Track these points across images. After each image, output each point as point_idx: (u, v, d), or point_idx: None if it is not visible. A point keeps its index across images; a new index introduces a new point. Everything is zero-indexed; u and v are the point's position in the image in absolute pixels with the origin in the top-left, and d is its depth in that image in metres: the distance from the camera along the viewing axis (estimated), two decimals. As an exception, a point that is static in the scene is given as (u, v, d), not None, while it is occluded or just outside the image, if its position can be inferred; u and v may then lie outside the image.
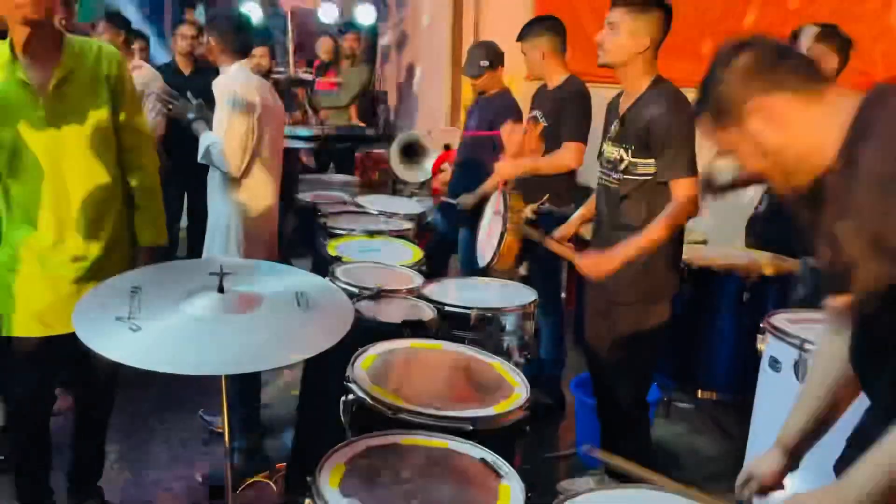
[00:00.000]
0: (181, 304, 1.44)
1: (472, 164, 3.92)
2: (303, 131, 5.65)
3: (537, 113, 3.35)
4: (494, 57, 3.82)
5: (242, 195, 2.92)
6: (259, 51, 5.39)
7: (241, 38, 2.96)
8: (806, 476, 1.41)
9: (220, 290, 1.48)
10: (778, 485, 1.41)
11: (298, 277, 1.72)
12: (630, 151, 2.34)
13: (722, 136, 1.25)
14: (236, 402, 2.89)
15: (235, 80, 2.85)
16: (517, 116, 3.74)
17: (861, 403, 1.34)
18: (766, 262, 2.99)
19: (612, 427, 2.56)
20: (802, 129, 1.15)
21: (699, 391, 3.12)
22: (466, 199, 3.87)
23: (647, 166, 2.32)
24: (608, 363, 2.50)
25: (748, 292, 2.89)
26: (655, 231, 2.25)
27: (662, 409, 3.40)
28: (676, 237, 2.39)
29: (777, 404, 1.48)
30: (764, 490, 1.41)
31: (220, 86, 2.84)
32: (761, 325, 2.46)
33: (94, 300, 1.46)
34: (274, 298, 1.54)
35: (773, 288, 2.92)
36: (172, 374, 1.26)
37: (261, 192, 2.97)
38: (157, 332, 1.35)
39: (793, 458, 1.41)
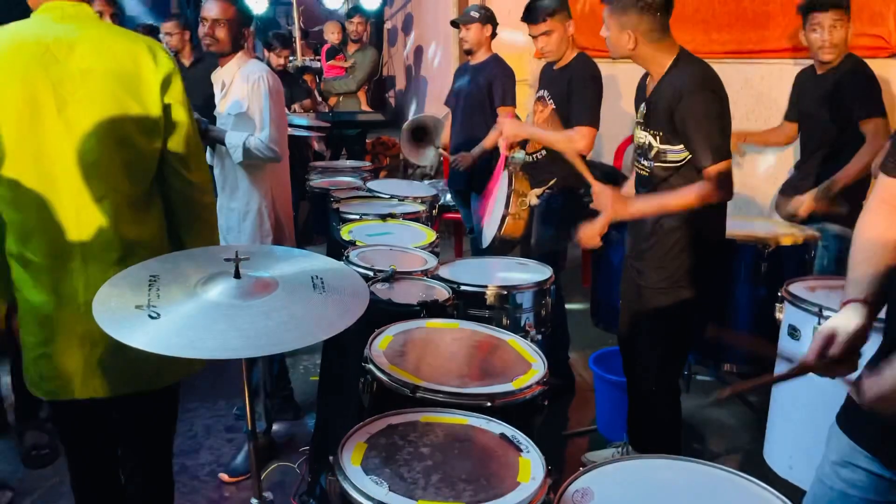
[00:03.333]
0: (198, 291, 1.45)
1: (468, 126, 3.97)
2: (312, 119, 5.65)
3: (544, 93, 3.29)
4: (486, 14, 3.90)
5: (269, 182, 2.95)
6: (284, 52, 5.42)
7: (252, 31, 2.99)
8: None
9: (237, 275, 1.49)
10: (864, 342, 1.27)
11: (313, 261, 1.73)
12: (658, 137, 2.24)
13: None
14: (262, 388, 2.93)
15: (263, 69, 2.87)
16: (511, 79, 3.78)
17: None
18: (784, 231, 2.97)
19: (644, 406, 2.53)
20: None
21: (720, 364, 3.12)
22: (465, 160, 3.90)
23: (676, 153, 2.21)
24: (641, 347, 2.47)
25: (766, 262, 2.87)
26: (680, 198, 2.17)
27: (683, 382, 3.39)
28: (714, 221, 2.31)
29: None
30: (846, 355, 1.25)
31: (251, 76, 2.81)
32: (779, 293, 2.44)
33: (112, 290, 1.47)
34: (290, 282, 1.55)
35: (790, 257, 2.90)
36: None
37: (283, 177, 3.03)
38: (177, 318, 1.36)
39: (873, 309, 1.29)
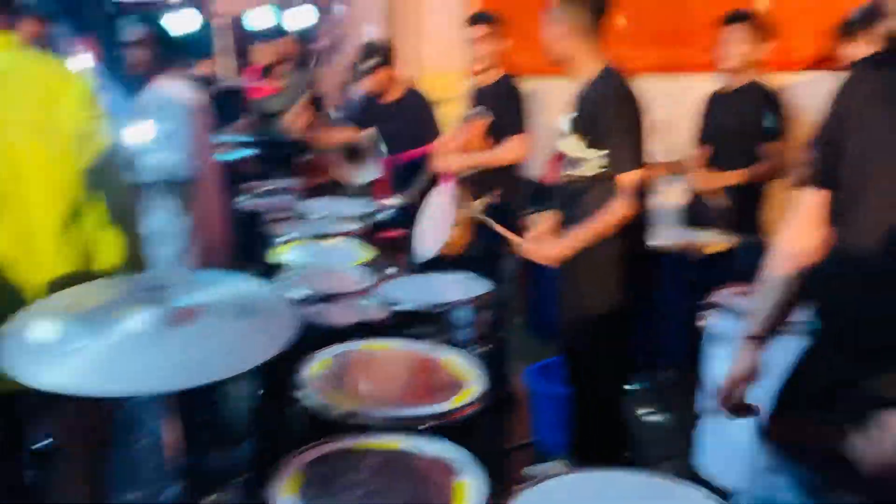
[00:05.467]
0: (117, 321, 1.39)
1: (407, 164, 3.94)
2: (244, 138, 5.56)
3: (476, 111, 3.37)
4: (385, 55, 3.84)
5: (190, 206, 2.88)
6: (207, 63, 5.32)
7: (176, 50, 2.95)
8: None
9: (159, 303, 1.44)
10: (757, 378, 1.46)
11: (242, 285, 1.69)
12: (582, 146, 2.33)
13: None
14: (190, 418, 2.83)
15: (182, 90, 2.83)
16: (430, 111, 3.77)
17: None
18: (706, 240, 3.07)
19: (589, 415, 2.56)
20: None
21: (653, 369, 3.18)
22: (412, 195, 3.88)
23: (600, 159, 2.29)
24: (582, 358, 2.51)
25: (690, 271, 2.95)
26: (601, 221, 2.26)
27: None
28: (636, 229, 2.37)
29: (723, 377, 1.51)
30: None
31: (172, 95, 2.80)
32: (703, 301, 2.52)
33: (20, 326, 1.39)
34: (217, 308, 1.50)
35: (713, 265, 2.99)
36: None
37: (210, 199, 2.96)
38: (93, 353, 1.30)
39: (763, 347, 1.47)
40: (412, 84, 3.95)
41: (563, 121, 2.46)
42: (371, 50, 3.93)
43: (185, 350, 1.33)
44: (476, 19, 3.37)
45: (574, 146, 2.37)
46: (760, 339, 1.46)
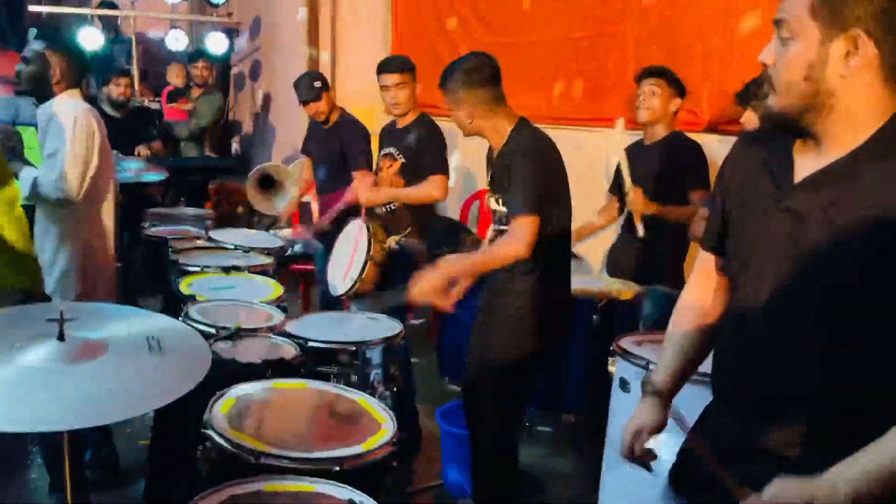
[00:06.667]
0: (15, 355, 1.31)
1: (331, 187, 3.92)
2: (153, 161, 5.37)
3: (392, 150, 3.39)
4: (323, 80, 3.90)
5: (79, 231, 2.76)
6: (123, 80, 5.14)
7: (79, 69, 2.84)
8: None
9: (61, 337, 1.36)
10: (661, 431, 1.50)
11: (148, 320, 1.62)
12: (500, 201, 2.40)
13: None
14: (76, 453, 2.67)
15: (76, 108, 2.72)
16: (365, 140, 3.78)
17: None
18: (618, 288, 3.17)
19: (484, 459, 2.57)
20: None
21: (559, 414, 3.24)
22: (323, 224, 3.85)
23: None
24: (484, 401, 2.52)
25: (598, 316, 3.05)
26: (483, 258, 2.32)
27: (524, 433, 3.49)
28: (559, 282, 2.45)
29: (625, 428, 1.55)
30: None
31: (60, 113, 2.70)
32: (611, 348, 2.60)
33: None
34: (122, 344, 1.44)
35: (621, 312, 3.10)
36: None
37: (97, 227, 2.83)
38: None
39: (667, 404, 1.51)
40: (346, 111, 3.96)
41: (487, 177, 2.53)
42: (314, 75, 3.97)
43: (88, 387, 1.26)
44: (385, 68, 3.36)
45: (493, 203, 2.44)
46: (662, 394, 1.50)
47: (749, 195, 1.31)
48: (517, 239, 2.23)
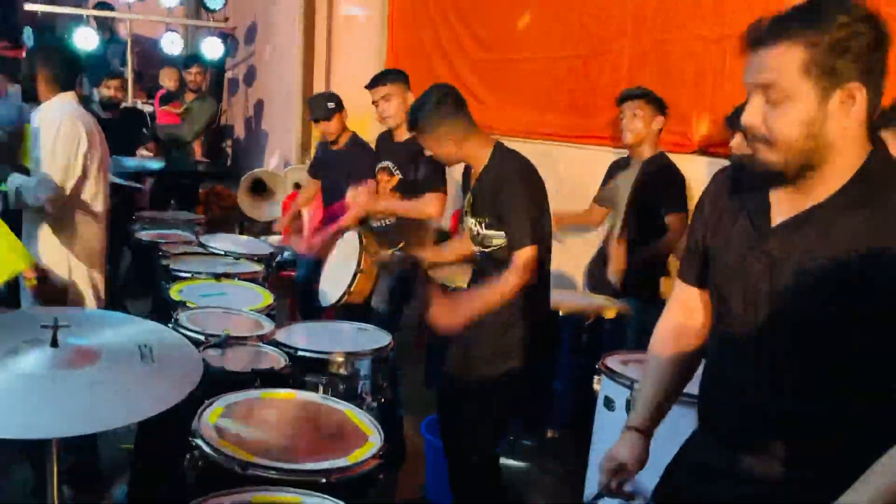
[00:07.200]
0: (8, 361, 1.32)
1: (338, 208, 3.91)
2: (147, 164, 5.37)
3: (389, 164, 3.39)
4: (337, 101, 3.90)
5: (67, 238, 2.75)
6: (114, 83, 5.13)
7: (70, 71, 2.83)
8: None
9: (54, 343, 1.37)
10: (641, 466, 1.49)
11: (141, 327, 1.63)
12: (483, 224, 2.41)
13: None
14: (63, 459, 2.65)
15: (62, 113, 2.71)
16: (370, 159, 3.78)
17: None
18: (605, 305, 3.21)
19: (465, 473, 2.56)
20: None
21: (543, 429, 3.26)
22: (313, 244, 3.84)
23: (500, 238, 2.37)
24: (465, 415, 2.52)
25: (586, 334, 3.07)
26: (496, 292, 2.31)
27: (508, 447, 3.51)
28: (540, 298, 2.46)
29: (613, 441, 1.57)
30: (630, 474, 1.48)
31: (45, 119, 2.69)
32: (597, 366, 2.62)
33: None
34: (115, 351, 1.45)
35: (608, 330, 3.13)
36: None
37: (85, 233, 2.82)
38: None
39: (648, 438, 1.50)
40: (356, 135, 3.96)
41: (465, 199, 2.54)
42: (328, 95, 3.97)
43: (80, 394, 1.27)
44: (371, 83, 3.37)
45: (474, 225, 2.46)
46: (642, 430, 1.50)
47: (726, 234, 1.34)
48: (524, 271, 2.27)
